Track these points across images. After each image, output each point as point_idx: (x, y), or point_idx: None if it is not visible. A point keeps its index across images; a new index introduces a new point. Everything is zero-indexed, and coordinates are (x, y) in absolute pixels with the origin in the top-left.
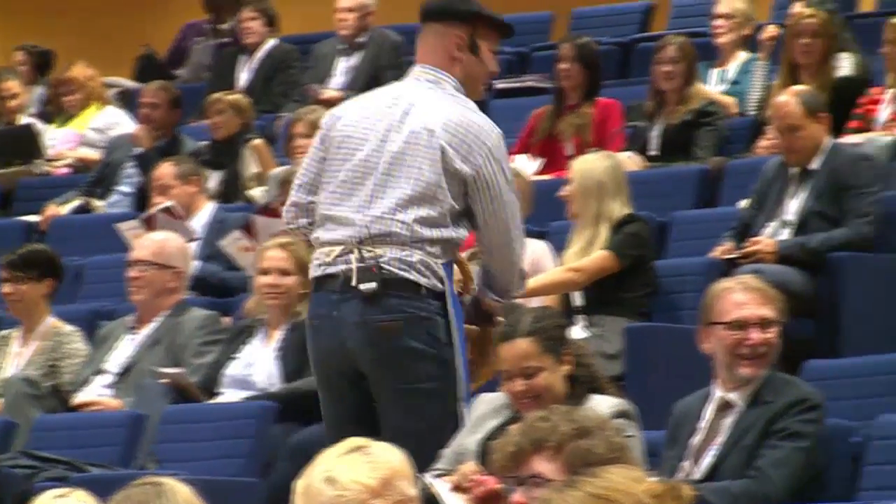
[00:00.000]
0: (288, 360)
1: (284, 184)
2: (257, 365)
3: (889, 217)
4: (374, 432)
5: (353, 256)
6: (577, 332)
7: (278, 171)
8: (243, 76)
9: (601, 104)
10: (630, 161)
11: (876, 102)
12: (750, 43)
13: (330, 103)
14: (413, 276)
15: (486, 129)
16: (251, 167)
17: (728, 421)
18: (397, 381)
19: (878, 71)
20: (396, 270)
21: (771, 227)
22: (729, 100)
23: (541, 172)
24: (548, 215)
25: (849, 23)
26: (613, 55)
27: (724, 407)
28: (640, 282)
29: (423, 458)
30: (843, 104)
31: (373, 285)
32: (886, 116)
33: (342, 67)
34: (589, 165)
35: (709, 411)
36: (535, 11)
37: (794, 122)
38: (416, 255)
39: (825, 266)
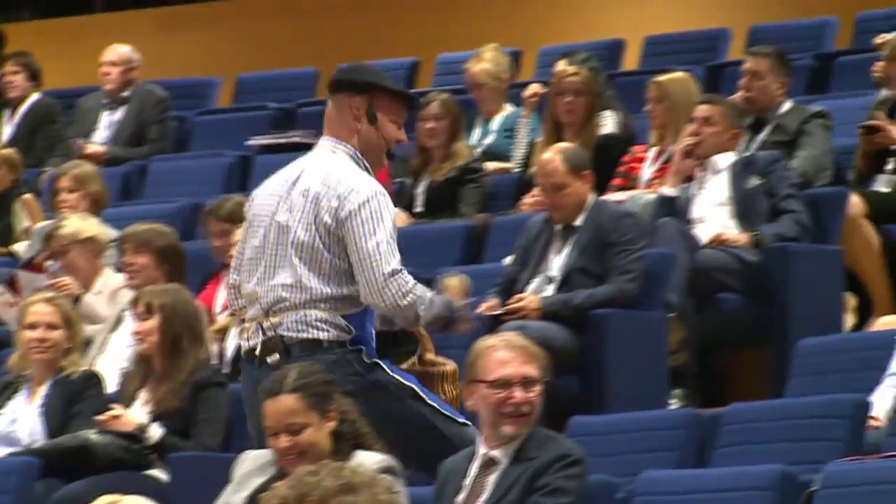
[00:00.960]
0: (51, 416)
1: (48, 238)
2: (21, 421)
3: (652, 274)
4: None
5: (259, 331)
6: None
7: (41, 225)
8: (6, 130)
9: None
10: (396, 218)
11: (639, 160)
12: (515, 98)
13: (94, 158)
14: (312, 333)
15: (360, 184)
16: (23, 222)
17: (492, 478)
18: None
19: (642, 129)
20: (295, 334)
21: (535, 284)
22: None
23: None
24: None
25: (612, 81)
26: None
27: (489, 464)
28: (408, 338)
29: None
30: (606, 162)
31: (276, 357)
32: (649, 174)
33: (106, 122)
34: None
35: (474, 469)
36: (301, 68)
37: (559, 179)
38: (311, 315)
39: (589, 323)
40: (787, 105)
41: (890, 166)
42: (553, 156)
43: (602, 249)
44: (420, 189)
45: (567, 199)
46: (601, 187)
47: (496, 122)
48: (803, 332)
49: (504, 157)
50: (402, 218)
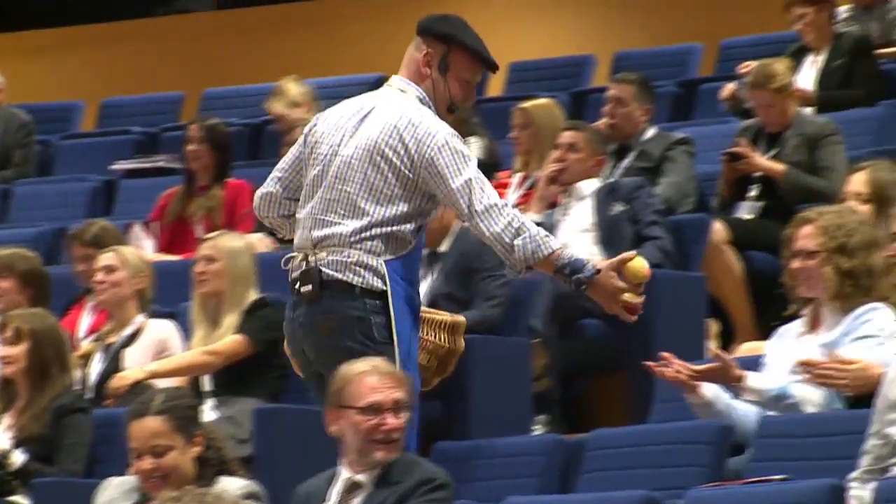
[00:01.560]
0: None
1: None
2: None
3: (516, 300)
4: None
5: (304, 263)
6: (208, 414)
7: None
8: None
9: (231, 186)
10: (260, 243)
11: (504, 186)
12: None
13: None
14: (347, 276)
15: (434, 126)
16: None
17: (356, 501)
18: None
19: (507, 155)
20: (332, 272)
21: None
22: None
23: (170, 252)
24: (178, 296)
25: (477, 107)
26: (244, 136)
27: (352, 488)
28: (272, 364)
29: None
30: None
31: (309, 287)
32: (514, 200)
33: None
34: (233, 246)
35: (335, 493)
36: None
37: None
38: (353, 256)
39: None
40: (650, 132)
41: (752, 193)
42: None
43: (467, 275)
44: None
45: (433, 224)
46: None
47: None
48: None
49: None
50: (266, 243)
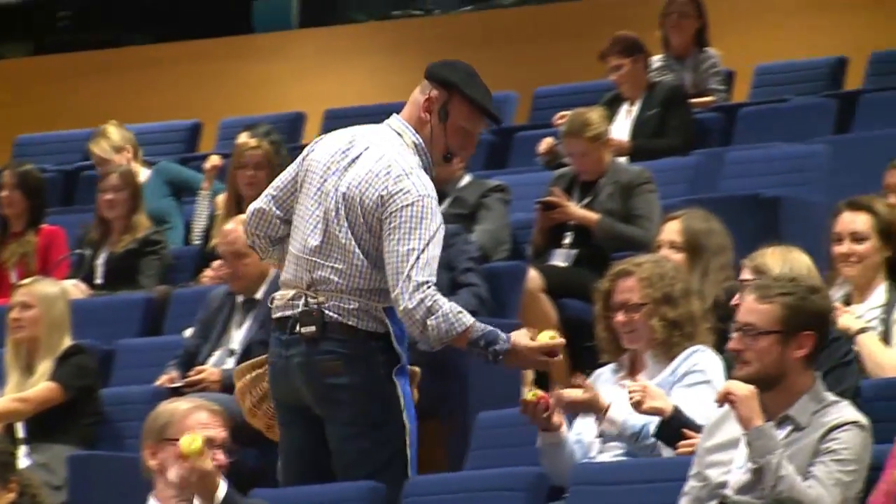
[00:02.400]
0: None
1: None
2: None
3: None
4: (323, 469)
5: (301, 302)
6: (22, 461)
7: None
8: None
9: (45, 231)
10: (75, 289)
11: None
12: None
13: None
14: (351, 321)
15: (412, 186)
16: None
17: None
18: (341, 418)
19: None
20: (336, 315)
21: (216, 356)
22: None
23: None
24: None
25: (293, 153)
26: (58, 182)
27: None
28: (85, 411)
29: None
30: None
31: (312, 328)
32: None
33: None
34: (48, 292)
35: None
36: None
37: (240, 248)
38: (353, 304)
39: None
40: (466, 179)
41: (567, 241)
42: (236, 225)
43: None
44: (100, 261)
45: (248, 269)
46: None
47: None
48: (482, 404)
49: (162, 218)
50: (81, 289)
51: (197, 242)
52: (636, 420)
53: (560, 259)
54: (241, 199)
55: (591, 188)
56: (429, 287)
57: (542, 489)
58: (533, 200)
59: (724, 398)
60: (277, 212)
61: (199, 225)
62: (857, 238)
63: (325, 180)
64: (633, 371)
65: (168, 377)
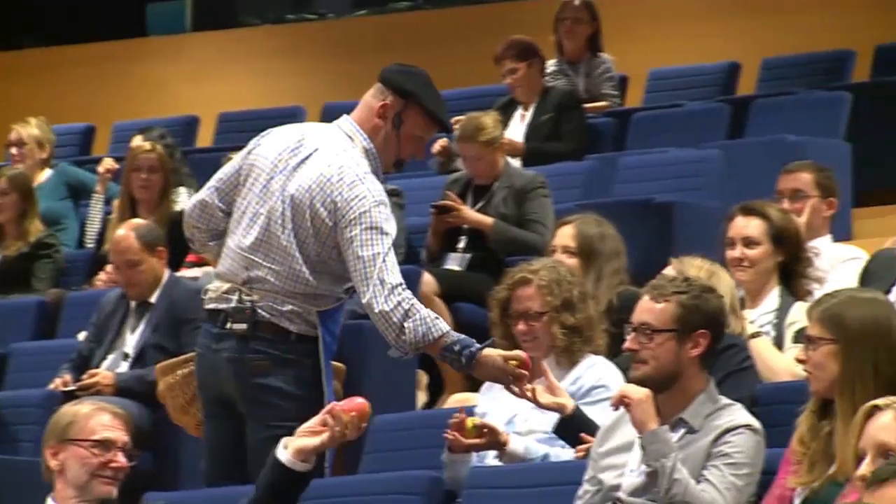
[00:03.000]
0: None
1: None
2: None
3: None
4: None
5: (234, 297)
6: None
7: None
8: None
9: None
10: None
11: None
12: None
13: None
14: (283, 322)
15: (365, 191)
16: None
17: None
18: (263, 418)
19: None
20: (268, 315)
21: (110, 360)
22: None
23: None
24: None
25: (186, 158)
26: None
27: None
28: None
29: None
30: (180, 238)
31: (243, 326)
32: None
33: None
34: None
35: None
36: None
37: (133, 256)
38: (287, 306)
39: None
40: None
41: (461, 245)
42: (127, 232)
43: (177, 326)
44: None
45: (142, 276)
46: (176, 264)
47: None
48: (376, 408)
49: (57, 219)
50: None
51: (90, 246)
52: (537, 449)
53: (454, 263)
54: (135, 202)
55: (486, 192)
56: (404, 289)
57: (437, 493)
58: (427, 204)
59: (620, 401)
60: (220, 204)
61: (92, 228)
62: (749, 243)
63: (272, 178)
64: (530, 377)
65: (61, 380)
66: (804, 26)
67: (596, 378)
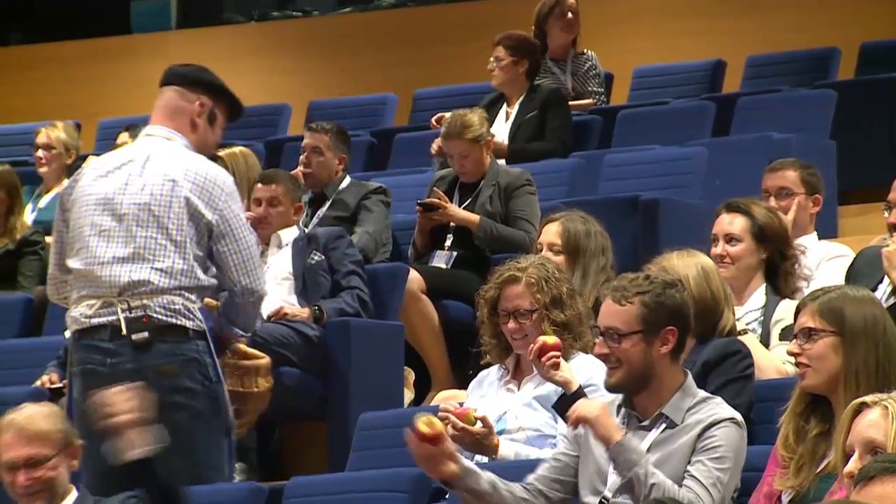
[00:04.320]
0: None
1: None
2: None
3: None
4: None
5: (119, 308)
6: None
7: None
8: None
9: None
10: None
11: None
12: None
13: None
14: (180, 321)
15: (221, 175)
16: None
17: None
18: (175, 420)
19: None
20: (164, 317)
21: None
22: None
23: None
24: None
25: None
26: None
27: None
28: None
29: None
30: None
31: (144, 335)
32: None
33: None
34: None
35: None
36: None
37: None
38: (177, 302)
39: None
40: (346, 181)
41: (448, 242)
42: None
43: None
44: None
45: None
46: None
47: (51, 196)
48: (364, 406)
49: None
50: None
51: None
52: (528, 453)
53: (441, 261)
54: None
55: (472, 190)
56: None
57: (424, 490)
58: (413, 202)
59: (577, 423)
60: (64, 276)
61: None
62: (730, 240)
63: (113, 198)
64: (517, 374)
65: (48, 378)
66: (789, 24)
67: (586, 377)
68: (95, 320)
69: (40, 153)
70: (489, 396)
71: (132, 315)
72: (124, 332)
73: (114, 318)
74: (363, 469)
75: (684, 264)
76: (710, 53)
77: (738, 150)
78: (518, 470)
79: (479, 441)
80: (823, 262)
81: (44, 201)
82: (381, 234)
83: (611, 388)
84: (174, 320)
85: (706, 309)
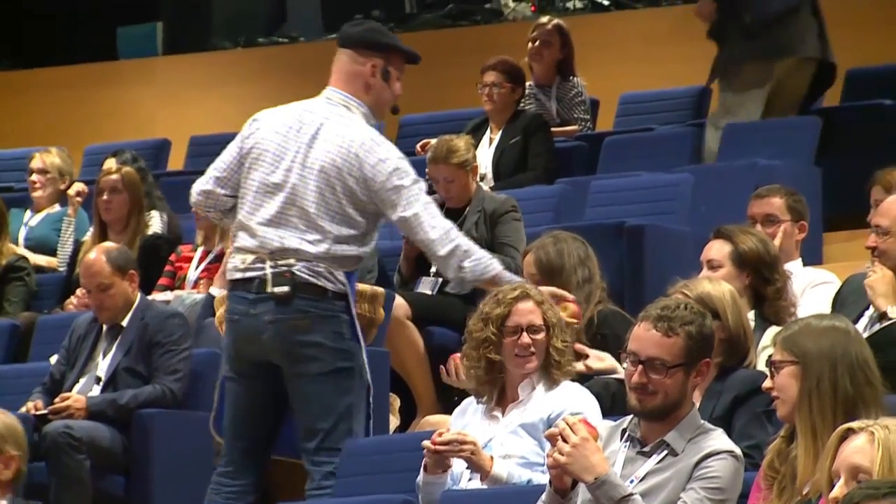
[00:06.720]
0: None
1: None
2: None
3: (198, 374)
4: (277, 419)
5: (268, 264)
6: None
7: None
8: None
9: None
10: None
11: (186, 260)
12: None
13: None
14: (321, 281)
15: (386, 152)
16: None
17: None
18: (307, 372)
19: (189, 229)
20: (306, 276)
21: (82, 384)
22: (44, 259)
23: None
24: None
25: (158, 181)
26: None
27: None
28: None
29: (337, 435)
30: (152, 261)
31: (285, 289)
32: (196, 275)
33: None
34: None
35: None
36: None
37: (104, 279)
38: (321, 266)
39: (134, 422)
40: None
41: (433, 269)
42: (98, 256)
43: (148, 349)
44: None
45: (113, 300)
46: (148, 287)
47: (42, 216)
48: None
49: (50, 250)
50: None
51: (62, 269)
52: (520, 473)
53: (427, 287)
54: (105, 225)
55: (458, 216)
56: (455, 233)
57: None
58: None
59: (554, 438)
60: (222, 191)
61: (63, 252)
62: (713, 265)
63: (282, 156)
64: (501, 401)
65: (33, 404)
66: None
67: (574, 406)
68: (246, 273)
69: (35, 177)
70: (473, 425)
71: (278, 270)
72: (269, 286)
73: (261, 273)
74: (349, 496)
75: (719, 293)
76: (696, 80)
77: (723, 177)
78: (519, 496)
79: (471, 458)
80: (808, 289)
81: (35, 220)
82: (367, 260)
83: (641, 414)
84: (315, 280)
85: (738, 340)
